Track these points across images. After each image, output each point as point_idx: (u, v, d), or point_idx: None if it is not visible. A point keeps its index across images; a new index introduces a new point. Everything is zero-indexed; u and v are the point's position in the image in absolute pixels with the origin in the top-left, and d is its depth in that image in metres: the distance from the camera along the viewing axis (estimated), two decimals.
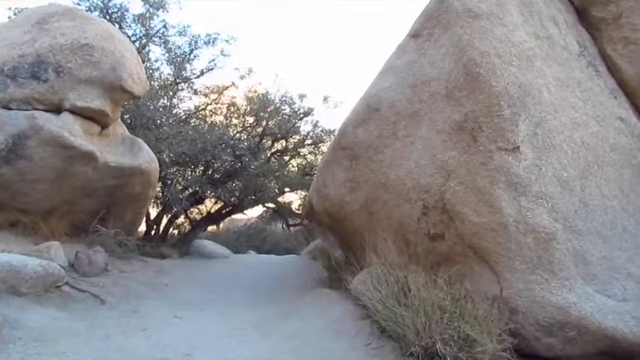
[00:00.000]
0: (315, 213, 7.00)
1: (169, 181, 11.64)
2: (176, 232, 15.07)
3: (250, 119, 13.76)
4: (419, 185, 4.92)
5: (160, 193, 12.56)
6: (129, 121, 10.01)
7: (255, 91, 13.85)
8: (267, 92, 13.72)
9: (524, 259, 4.35)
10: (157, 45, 12.51)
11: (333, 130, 15.04)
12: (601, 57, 5.65)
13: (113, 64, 6.80)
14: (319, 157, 15.80)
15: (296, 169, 15.29)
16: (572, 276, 4.38)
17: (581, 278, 4.48)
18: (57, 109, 6.73)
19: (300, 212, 16.80)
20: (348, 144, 5.82)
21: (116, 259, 7.34)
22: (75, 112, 6.74)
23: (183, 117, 12.97)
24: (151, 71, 12.24)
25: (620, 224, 4.93)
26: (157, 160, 8.03)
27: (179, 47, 12.60)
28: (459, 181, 4.61)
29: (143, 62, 12.25)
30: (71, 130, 6.51)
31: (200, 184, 11.68)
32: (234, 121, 14.13)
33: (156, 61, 12.69)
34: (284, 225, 16.81)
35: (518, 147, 4.43)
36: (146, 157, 7.63)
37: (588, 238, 4.66)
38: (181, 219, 15.30)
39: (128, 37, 11.80)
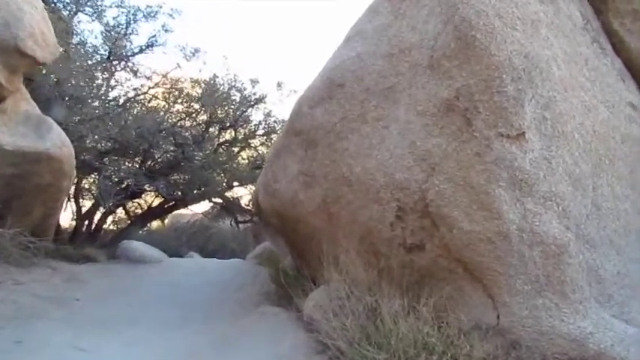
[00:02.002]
0: (261, 212, 5.83)
1: (99, 172, 10.20)
2: (116, 227, 13.63)
3: (196, 105, 12.40)
4: (393, 181, 3.85)
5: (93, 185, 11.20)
6: (45, 99, 8.50)
7: (200, 71, 12.47)
8: (215, 76, 12.38)
9: (528, 277, 3.37)
10: (87, 15, 10.93)
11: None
12: (605, 33, 4.73)
13: (7, 19, 5.39)
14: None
15: (246, 161, 14.06)
16: (585, 298, 3.44)
17: (595, 300, 3.55)
18: None
19: (250, 209, 15.63)
20: (304, 128, 4.69)
21: (12, 266, 5.95)
22: None
23: (122, 101, 11.49)
24: (79, 46, 10.71)
25: (633, 231, 4.05)
26: (70, 145, 6.64)
27: (114, 18, 11.09)
28: (447, 176, 3.56)
29: (72, 35, 10.76)
30: None
31: (135, 175, 10.28)
32: (178, 106, 12.73)
33: (91, 32, 11.15)
34: (232, 222, 15.58)
35: (524, 133, 3.43)
36: (56, 141, 6.24)
37: (601, 250, 3.75)
38: (122, 214, 13.87)
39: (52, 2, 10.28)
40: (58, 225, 10.24)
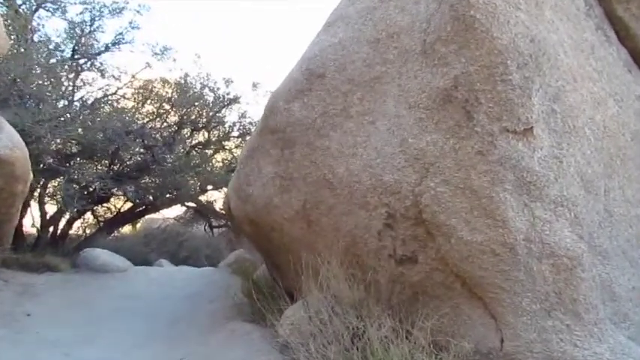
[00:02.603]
0: (233, 219, 5.30)
1: (64, 176, 9.52)
2: (84, 233, 12.87)
3: (166, 106, 11.77)
4: (381, 184, 3.37)
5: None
6: (1, 98, 7.82)
7: (171, 71, 11.85)
8: (187, 75, 11.76)
9: (537, 295, 2.93)
10: (48, 11, 10.25)
11: None
12: (609, 19, 4.33)
13: None
14: None
15: (221, 164, 13.47)
16: (600, 319, 3.01)
17: (610, 321, 3.12)
18: None
19: (224, 213, 15.01)
20: (279, 125, 4.18)
21: None
22: None
23: (90, 101, 10.81)
24: (40, 43, 10.01)
25: None
26: (24, 147, 6.01)
27: (78, 14, 10.42)
28: (443, 178, 3.10)
29: (32, 31, 10.07)
30: None
31: (101, 179, 9.62)
32: (147, 107, 12.08)
33: (56, 30, 10.45)
34: (206, 227, 14.96)
35: (532, 128, 2.99)
36: (5, 142, 5.61)
37: (615, 262, 3.34)
38: (91, 219, 13.13)
39: None
40: (20, 231, 9.56)
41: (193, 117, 12.02)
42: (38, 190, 9.87)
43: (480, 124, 2.99)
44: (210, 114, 12.15)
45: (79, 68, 10.92)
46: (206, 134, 12.78)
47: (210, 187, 13.06)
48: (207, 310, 5.68)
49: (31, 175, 6.87)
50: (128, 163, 11.27)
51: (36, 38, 10.13)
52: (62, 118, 8.35)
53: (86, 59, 10.87)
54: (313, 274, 3.74)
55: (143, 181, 11.30)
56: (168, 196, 11.76)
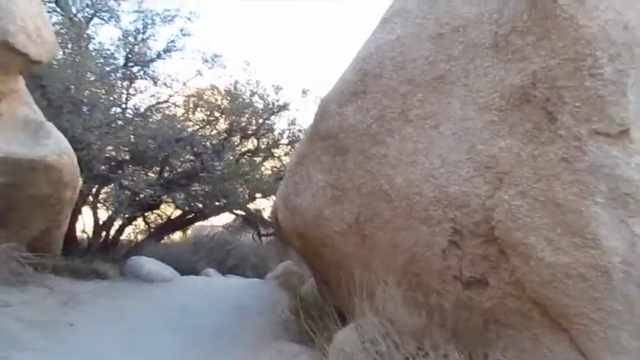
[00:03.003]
0: (281, 230, 5.01)
1: (116, 182, 9.57)
2: (136, 239, 12.98)
3: (216, 113, 11.73)
4: (446, 196, 2.99)
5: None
6: (56, 105, 7.89)
7: (220, 78, 11.79)
8: (236, 82, 11.67)
9: (637, 329, 2.45)
10: (102, 20, 10.39)
11: None
12: None
13: None
14: None
15: (269, 172, 13.32)
16: None
17: None
18: None
19: (272, 223, 14.83)
20: (331, 131, 3.86)
21: (2, 285, 5.27)
22: None
23: (142, 109, 10.90)
24: (95, 51, 10.13)
25: None
26: (72, 153, 5.96)
27: (132, 22, 10.52)
28: (520, 190, 2.69)
29: (88, 40, 10.21)
30: None
31: (151, 186, 9.61)
32: (198, 114, 12.08)
33: (110, 39, 10.59)
34: (254, 235, 14.84)
35: (628, 130, 2.53)
36: (53, 148, 5.56)
37: None
38: (142, 225, 13.25)
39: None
40: (73, 237, 9.66)
41: (243, 124, 11.94)
42: (91, 196, 9.99)
43: (565, 127, 2.56)
44: (260, 121, 12.04)
45: (133, 76, 11.04)
46: (255, 142, 12.68)
47: (258, 195, 12.93)
48: (253, 325, 5.41)
49: (80, 182, 6.85)
50: (178, 170, 11.27)
51: (90, 47, 10.28)
52: (113, 125, 8.35)
53: (139, 67, 10.98)
54: (367, 294, 3.38)
55: (192, 188, 11.28)
56: (217, 203, 11.69)
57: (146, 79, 11.17)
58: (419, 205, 3.17)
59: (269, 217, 14.63)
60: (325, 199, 3.93)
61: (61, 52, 9.15)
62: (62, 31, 9.22)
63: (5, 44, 4.74)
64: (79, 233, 10.55)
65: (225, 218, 14.52)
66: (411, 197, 3.21)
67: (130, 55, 10.52)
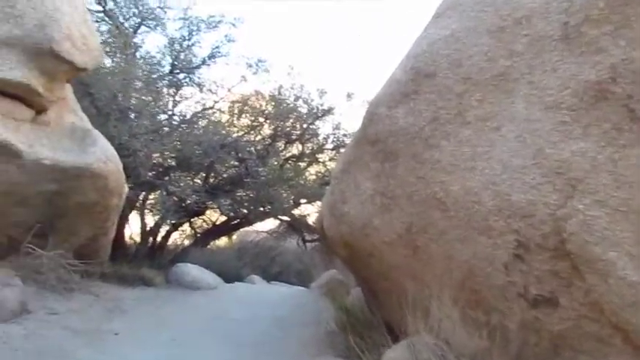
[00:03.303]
0: (326, 239, 4.80)
1: (163, 189, 9.64)
2: (183, 244, 13.08)
3: (260, 118, 11.68)
4: (509, 205, 2.70)
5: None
6: (104, 112, 7.99)
7: (264, 83, 11.70)
8: (281, 87, 11.59)
9: None
10: (149, 27, 10.52)
11: None
12: None
13: (42, 19, 4.74)
14: None
15: (314, 177, 13.18)
16: None
17: None
18: None
19: (317, 230, 14.64)
20: (380, 135, 3.63)
21: (49, 293, 5.28)
22: None
23: (188, 116, 10.98)
24: (142, 59, 10.27)
25: None
26: (117, 160, 5.95)
27: (177, 30, 10.61)
28: (597, 198, 2.38)
29: (135, 48, 10.35)
30: None
31: (196, 192, 9.61)
32: (242, 120, 12.08)
33: (157, 47, 10.70)
34: (299, 241, 14.72)
35: None
36: (99, 155, 5.55)
37: None
38: (187, 230, 13.35)
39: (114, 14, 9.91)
40: (121, 243, 9.78)
41: (287, 129, 11.86)
42: (138, 202, 10.10)
43: None
44: (304, 126, 11.92)
45: (179, 83, 11.12)
46: (300, 147, 12.58)
47: (303, 200, 12.82)
48: (297, 338, 5.22)
49: (126, 189, 6.86)
50: (223, 176, 11.27)
51: (137, 55, 10.42)
52: (159, 132, 8.39)
53: (185, 74, 11.06)
54: (421, 310, 3.13)
55: (237, 194, 11.26)
56: (261, 209, 11.64)
57: (192, 85, 11.26)
58: (478, 215, 2.89)
59: (314, 224, 14.51)
60: (374, 207, 3.70)
61: (109, 61, 9.33)
62: (110, 40, 9.38)
63: (51, 52, 4.75)
64: (127, 239, 10.72)
65: (269, 224, 14.48)
66: (469, 206, 2.93)
67: (175, 62, 10.60)
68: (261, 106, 11.69)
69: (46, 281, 5.32)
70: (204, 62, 10.83)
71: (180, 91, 11.21)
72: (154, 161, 9.91)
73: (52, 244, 5.65)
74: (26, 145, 4.96)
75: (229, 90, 11.70)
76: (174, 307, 6.21)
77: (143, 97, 8.79)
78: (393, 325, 3.57)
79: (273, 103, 11.46)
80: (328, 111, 11.68)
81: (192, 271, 7.17)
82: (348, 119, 12.75)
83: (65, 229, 6.04)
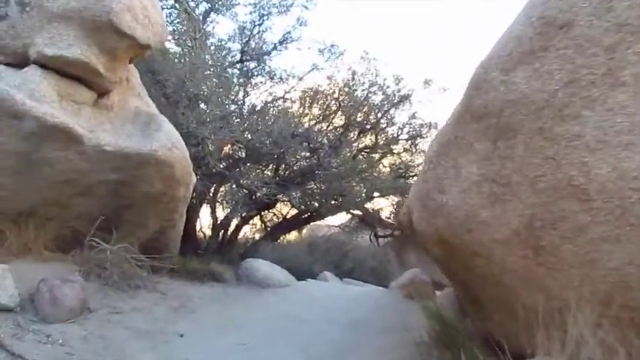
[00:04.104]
0: (415, 234, 4.12)
1: (233, 180, 9.32)
2: (253, 237, 12.79)
3: (332, 106, 11.11)
4: None
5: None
6: (172, 100, 7.70)
7: (339, 71, 11.07)
8: (354, 72, 10.93)
9: None
10: (219, 13, 10.18)
11: (436, 124, 12.05)
12: None
13: None
14: (417, 156, 12.85)
15: (388, 169, 12.49)
16: None
17: None
18: (24, 62, 4.46)
19: (391, 222, 13.93)
20: (492, 107, 2.92)
21: (113, 289, 4.95)
22: (47, 65, 4.41)
23: (259, 106, 10.61)
24: (213, 47, 9.95)
25: None
26: (184, 147, 5.53)
27: (248, 14, 10.20)
28: None
29: (205, 35, 10.05)
30: (33, 91, 4.17)
31: (266, 184, 9.19)
32: (314, 110, 11.56)
33: (227, 36, 10.34)
34: (371, 237, 14.08)
35: None
36: (164, 141, 5.14)
37: None
38: (258, 224, 13.05)
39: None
40: (192, 236, 9.57)
41: (361, 118, 11.22)
42: (209, 195, 9.84)
43: None
44: (379, 115, 11.23)
45: (250, 74, 10.77)
46: (373, 137, 11.90)
47: (376, 194, 12.16)
48: (377, 347, 4.60)
49: (194, 178, 6.48)
50: (293, 168, 10.81)
51: (208, 42, 10.13)
52: (228, 119, 7.99)
53: (255, 62, 10.67)
54: (547, 329, 2.42)
55: (308, 186, 10.77)
56: (333, 202, 11.11)
57: (263, 75, 10.87)
58: (637, 207, 2.15)
59: (387, 217, 13.82)
60: (481, 197, 3.00)
61: (179, 48, 9.08)
62: (179, 26, 9.14)
63: (109, 25, 4.35)
64: (197, 233, 10.52)
65: (340, 218, 13.93)
66: (624, 194, 2.20)
67: (245, 49, 10.22)
68: (333, 93, 11.08)
69: (110, 277, 5.00)
70: (275, 48, 10.38)
71: (250, 81, 10.86)
72: (224, 152, 9.62)
73: (116, 237, 5.32)
74: (87, 129, 4.63)
75: (300, 79, 11.22)
76: (244, 306, 5.75)
77: (213, 84, 8.41)
78: (507, 343, 2.86)
79: (346, 90, 10.82)
80: (405, 97, 10.91)
81: (262, 267, 6.71)
82: (425, 107, 11.92)
83: (131, 222, 5.73)
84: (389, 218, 14.13)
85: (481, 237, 3.06)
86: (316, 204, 10.92)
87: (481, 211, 3.00)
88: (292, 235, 14.29)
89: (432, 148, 3.67)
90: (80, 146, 4.56)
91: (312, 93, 11.24)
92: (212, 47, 9.80)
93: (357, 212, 12.86)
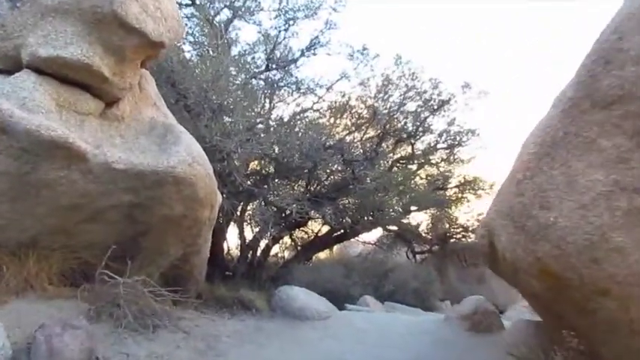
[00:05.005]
0: (500, 263, 3.25)
1: (261, 198, 8.60)
2: (283, 258, 12.04)
3: (365, 114, 10.34)
4: None
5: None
6: (193, 112, 7.01)
7: (373, 74, 10.31)
8: (388, 78, 10.14)
9: None
10: (244, 20, 9.54)
11: (475, 131, 11.18)
12: None
13: None
14: (454, 165, 11.97)
15: (424, 181, 11.68)
16: None
17: None
18: (16, 66, 3.79)
19: (430, 237, 13.02)
20: (626, 90, 2.08)
21: (126, 332, 4.18)
22: (42, 69, 3.72)
23: (286, 118, 9.93)
24: (237, 56, 9.28)
25: None
26: (207, 162, 4.78)
27: (273, 19, 9.56)
28: None
29: (228, 43, 9.39)
30: (25, 100, 3.48)
31: (298, 201, 8.41)
32: (345, 121, 10.81)
33: (249, 44, 9.67)
34: (409, 253, 13.20)
35: None
36: (183, 156, 4.37)
37: None
38: (287, 242, 12.31)
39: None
40: (220, 258, 8.87)
41: (396, 127, 10.41)
42: (236, 214, 9.14)
43: None
44: (417, 123, 10.41)
45: (275, 85, 10.11)
46: (410, 147, 11.07)
47: (414, 207, 11.33)
48: None
49: (219, 197, 5.72)
50: (325, 183, 10.04)
51: (232, 52, 9.51)
52: (254, 130, 7.28)
53: (281, 71, 10.00)
54: None
55: (342, 202, 9.98)
56: (367, 218, 10.32)
57: (290, 87, 10.21)
58: None
59: (425, 232, 12.90)
60: (611, 214, 2.16)
61: (200, 56, 8.44)
62: (201, 32, 8.54)
63: (113, 17, 3.62)
64: (225, 255, 9.83)
65: (373, 234, 13.09)
66: None
67: (270, 57, 9.55)
68: (366, 101, 10.32)
69: (124, 317, 4.24)
70: (302, 54, 9.67)
71: (277, 92, 10.20)
72: (251, 168, 8.95)
73: (132, 268, 4.58)
74: (92, 144, 3.91)
75: (329, 88, 10.50)
76: (279, 345, 4.91)
77: (238, 93, 7.71)
78: None
79: (380, 95, 10.04)
80: (445, 102, 10.07)
81: (299, 295, 5.88)
82: (463, 114, 11.01)
83: (149, 250, 4.98)
84: (427, 233, 13.27)
85: (612, 270, 2.20)
86: (350, 220, 10.14)
87: (613, 233, 2.15)
88: (323, 254, 13.51)
89: (527, 150, 2.82)
90: (84, 164, 3.84)
91: (344, 101, 10.51)
92: (236, 55, 9.16)
93: (393, 227, 12.07)
